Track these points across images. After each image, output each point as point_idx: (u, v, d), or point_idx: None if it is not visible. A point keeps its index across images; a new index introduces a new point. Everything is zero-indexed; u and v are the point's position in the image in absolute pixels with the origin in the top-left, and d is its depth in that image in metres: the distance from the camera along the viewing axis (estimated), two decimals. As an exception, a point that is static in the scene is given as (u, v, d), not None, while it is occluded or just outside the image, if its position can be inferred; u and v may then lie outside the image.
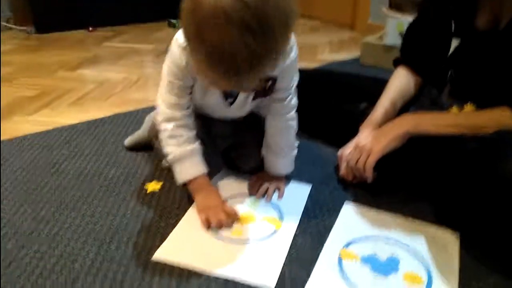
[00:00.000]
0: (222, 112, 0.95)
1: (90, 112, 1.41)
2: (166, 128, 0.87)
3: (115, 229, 0.85)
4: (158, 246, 0.81)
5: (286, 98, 0.90)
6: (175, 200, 0.95)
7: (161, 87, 0.88)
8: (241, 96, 0.90)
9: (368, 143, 0.95)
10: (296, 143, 0.98)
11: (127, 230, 0.85)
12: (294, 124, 0.95)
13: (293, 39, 0.80)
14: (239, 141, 1.04)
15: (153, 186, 1.00)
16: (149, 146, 1.11)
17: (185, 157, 0.88)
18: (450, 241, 0.84)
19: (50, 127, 1.27)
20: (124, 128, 1.28)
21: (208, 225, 0.86)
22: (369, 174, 0.94)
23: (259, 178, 1.00)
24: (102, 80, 1.72)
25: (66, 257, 0.78)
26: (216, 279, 0.74)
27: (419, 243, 0.83)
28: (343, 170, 1.02)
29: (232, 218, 0.88)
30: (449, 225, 0.88)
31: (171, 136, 0.88)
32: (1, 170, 1.05)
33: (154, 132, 0.99)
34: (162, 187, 1.00)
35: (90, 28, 2.42)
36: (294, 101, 0.93)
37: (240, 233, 0.86)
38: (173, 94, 0.86)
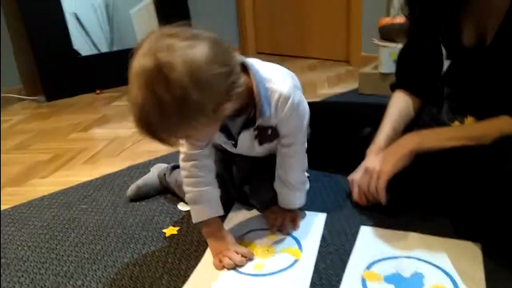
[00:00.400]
0: (240, 151, 0.98)
1: (104, 167, 1.46)
2: (185, 166, 0.92)
3: (136, 276, 0.86)
4: (181, 288, 0.81)
5: (293, 143, 0.91)
6: (193, 243, 0.96)
7: None
8: (242, 140, 0.91)
9: (377, 165, 0.96)
10: (307, 176, 0.99)
11: (149, 276, 0.86)
12: (303, 163, 0.96)
13: (287, 87, 0.83)
14: (255, 176, 1.06)
15: (171, 230, 1.02)
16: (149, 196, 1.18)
17: (200, 199, 0.91)
18: (473, 252, 0.84)
19: (67, 186, 1.31)
20: (137, 178, 1.31)
21: (222, 267, 0.86)
22: (382, 196, 0.94)
23: (274, 212, 1.01)
24: (112, 137, 1.78)
25: (92, 306, 0.78)
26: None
27: (442, 258, 0.83)
28: (355, 195, 1.03)
29: (246, 258, 0.88)
30: (470, 237, 0.88)
31: (189, 176, 0.92)
32: (23, 231, 1.07)
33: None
34: (180, 231, 1.01)
35: (98, 91, 2.53)
36: (302, 144, 0.93)
37: (261, 267, 0.86)
38: None
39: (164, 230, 1.02)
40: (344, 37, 2.68)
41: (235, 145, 0.93)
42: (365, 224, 0.97)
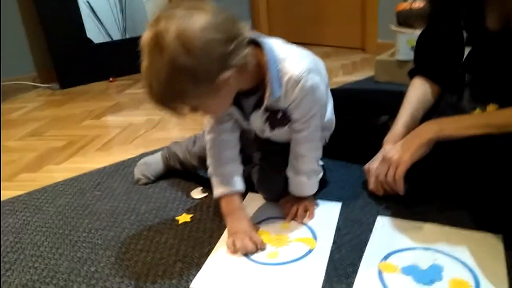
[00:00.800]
0: (257, 133, 0.98)
1: (117, 155, 1.46)
2: (209, 139, 0.93)
3: (150, 263, 0.86)
4: (194, 276, 0.81)
5: (305, 129, 0.88)
6: (206, 230, 0.95)
7: None
8: (254, 121, 0.90)
9: (395, 154, 0.93)
10: (321, 165, 0.97)
11: (162, 263, 0.86)
12: (317, 151, 0.94)
13: (300, 70, 0.80)
14: (265, 165, 1.03)
15: (184, 218, 1.01)
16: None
17: (221, 173, 0.92)
18: (494, 244, 0.81)
19: (80, 173, 1.32)
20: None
21: (233, 249, 0.85)
22: (399, 186, 0.92)
23: (288, 201, 0.99)
24: (125, 125, 1.78)
25: (106, 292, 0.78)
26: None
27: (461, 249, 0.80)
28: (372, 184, 1.01)
29: (258, 247, 0.86)
30: (490, 229, 0.85)
31: (212, 149, 0.93)
32: (38, 217, 1.08)
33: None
34: (193, 218, 1.01)
35: (111, 79, 2.53)
36: (315, 131, 0.90)
37: (275, 256, 0.85)
38: None
39: (177, 218, 1.01)
40: (359, 23, 2.62)
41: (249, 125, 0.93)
42: (381, 214, 0.95)
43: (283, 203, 1.00)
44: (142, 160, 1.23)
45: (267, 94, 0.81)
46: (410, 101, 1.07)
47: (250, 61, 0.76)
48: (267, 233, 0.92)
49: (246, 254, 0.85)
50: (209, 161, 0.93)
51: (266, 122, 0.90)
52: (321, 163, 0.97)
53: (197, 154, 1.11)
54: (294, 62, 0.81)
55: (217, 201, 0.93)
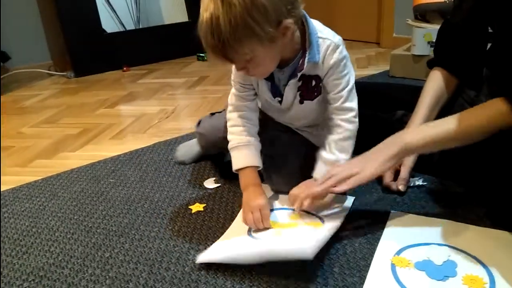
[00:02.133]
0: (282, 115, 1.00)
1: (131, 144, 1.47)
2: (231, 117, 0.96)
3: (163, 251, 0.87)
4: (207, 264, 0.81)
5: (341, 99, 0.89)
6: (219, 220, 0.96)
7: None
8: (287, 94, 0.92)
9: (356, 167, 0.85)
10: (350, 151, 0.93)
11: (176, 250, 0.87)
12: (349, 127, 0.91)
13: (338, 39, 0.88)
14: (278, 154, 1.03)
15: (197, 207, 1.02)
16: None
17: (241, 146, 0.94)
18: (508, 241, 0.80)
19: (95, 160, 1.33)
20: (164, 155, 1.32)
21: (245, 220, 0.88)
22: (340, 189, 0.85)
23: (293, 194, 0.94)
24: (139, 114, 1.79)
25: (121, 278, 0.80)
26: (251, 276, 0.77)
27: (476, 246, 0.79)
28: (387, 179, 1.01)
29: (264, 222, 0.87)
30: (505, 226, 0.84)
31: (233, 125, 0.96)
32: (53, 202, 1.10)
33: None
34: (206, 208, 1.01)
35: (125, 68, 2.54)
36: (349, 104, 0.90)
37: (280, 234, 0.86)
38: (236, 89, 0.96)
39: (191, 207, 1.02)
40: (375, 17, 2.59)
41: (280, 102, 0.94)
42: (395, 209, 0.94)
43: (289, 195, 0.95)
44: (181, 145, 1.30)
45: (306, 59, 0.86)
46: (428, 94, 1.06)
47: (299, 22, 0.83)
48: (278, 223, 0.92)
49: (252, 236, 0.87)
50: (230, 137, 0.96)
51: (297, 92, 0.92)
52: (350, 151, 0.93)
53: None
54: (331, 34, 0.89)
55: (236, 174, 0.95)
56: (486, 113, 0.80)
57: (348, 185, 0.84)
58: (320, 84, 0.91)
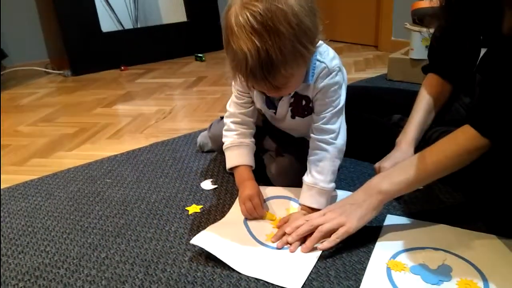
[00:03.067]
0: (277, 124, 1.04)
1: (128, 144, 1.47)
2: (226, 122, 1.01)
3: (160, 252, 0.87)
4: (204, 265, 0.81)
5: (322, 120, 0.90)
6: (216, 221, 0.96)
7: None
8: (281, 107, 0.95)
9: (340, 218, 0.83)
10: (333, 179, 0.92)
11: (172, 252, 0.87)
12: (327, 148, 0.90)
13: (334, 64, 0.89)
14: (277, 151, 1.06)
15: (194, 208, 1.02)
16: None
17: (235, 146, 0.98)
18: (504, 248, 0.81)
19: (91, 160, 1.33)
20: (161, 156, 1.32)
21: (242, 211, 0.93)
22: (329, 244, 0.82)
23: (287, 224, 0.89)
24: (136, 114, 1.79)
25: (117, 279, 0.79)
26: (247, 277, 0.78)
27: (471, 251, 0.80)
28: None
29: (257, 210, 0.91)
30: (500, 233, 0.85)
31: (228, 130, 1.00)
32: (49, 202, 1.09)
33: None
34: (202, 209, 1.01)
35: (122, 67, 2.54)
36: (330, 126, 0.90)
37: (275, 223, 0.90)
38: (235, 96, 1.00)
39: (187, 208, 1.02)
40: (373, 20, 2.60)
41: (275, 113, 0.97)
42: (391, 213, 0.95)
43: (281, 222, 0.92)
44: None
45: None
46: (422, 100, 1.07)
47: None
48: (272, 215, 0.94)
49: (249, 228, 0.90)
50: (224, 139, 1.01)
51: (289, 108, 0.95)
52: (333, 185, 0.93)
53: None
54: (330, 57, 0.90)
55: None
56: (456, 142, 0.80)
57: (335, 242, 0.82)
58: (310, 105, 0.93)
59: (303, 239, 0.84)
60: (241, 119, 0.99)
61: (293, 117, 0.97)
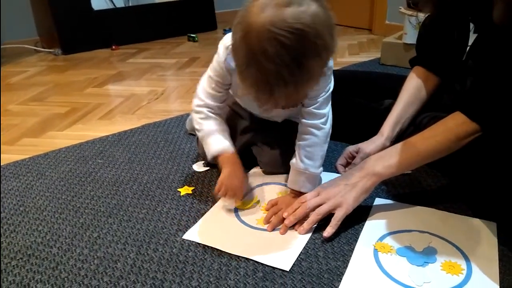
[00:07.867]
0: (263, 113, 1.02)
1: (120, 124, 1.46)
2: (201, 111, 0.95)
3: (152, 232, 0.88)
4: (196, 245, 0.83)
5: (315, 105, 0.90)
6: (208, 203, 0.97)
7: (203, 79, 0.96)
8: None
9: (337, 197, 0.85)
10: (321, 163, 0.94)
11: (164, 232, 0.88)
12: (317, 134, 0.91)
13: None
14: (264, 139, 1.07)
15: (186, 190, 1.02)
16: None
17: (216, 132, 0.94)
18: (487, 231, 0.83)
19: (83, 140, 1.32)
20: (153, 137, 1.32)
21: (217, 191, 0.90)
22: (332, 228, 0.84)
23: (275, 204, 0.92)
24: (128, 94, 1.78)
25: (109, 258, 0.81)
26: (238, 257, 0.79)
27: (456, 234, 0.82)
28: (340, 160, 1.07)
29: (235, 196, 0.91)
30: (485, 216, 0.87)
31: (204, 118, 0.95)
32: (41, 182, 1.09)
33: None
34: (194, 191, 1.02)
35: (113, 47, 2.51)
36: (321, 111, 0.91)
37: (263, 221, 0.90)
38: (211, 88, 0.94)
39: (179, 189, 1.03)
40: (368, 3, 2.58)
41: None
42: (380, 196, 0.97)
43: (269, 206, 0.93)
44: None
45: None
46: (405, 93, 1.08)
47: None
48: (263, 200, 0.96)
49: (239, 216, 0.91)
50: (199, 126, 0.95)
51: None
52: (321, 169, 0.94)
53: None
54: None
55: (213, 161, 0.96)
56: (447, 127, 0.82)
57: (337, 226, 0.83)
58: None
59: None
60: (217, 111, 0.96)
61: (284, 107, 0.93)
